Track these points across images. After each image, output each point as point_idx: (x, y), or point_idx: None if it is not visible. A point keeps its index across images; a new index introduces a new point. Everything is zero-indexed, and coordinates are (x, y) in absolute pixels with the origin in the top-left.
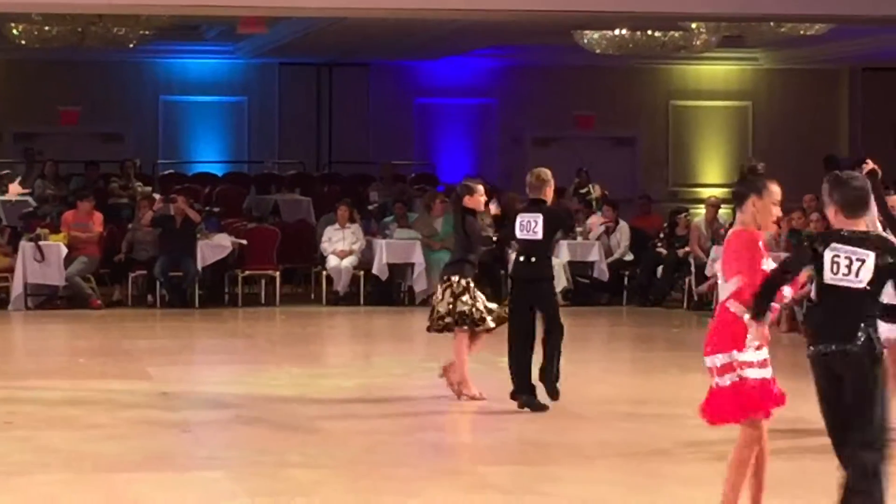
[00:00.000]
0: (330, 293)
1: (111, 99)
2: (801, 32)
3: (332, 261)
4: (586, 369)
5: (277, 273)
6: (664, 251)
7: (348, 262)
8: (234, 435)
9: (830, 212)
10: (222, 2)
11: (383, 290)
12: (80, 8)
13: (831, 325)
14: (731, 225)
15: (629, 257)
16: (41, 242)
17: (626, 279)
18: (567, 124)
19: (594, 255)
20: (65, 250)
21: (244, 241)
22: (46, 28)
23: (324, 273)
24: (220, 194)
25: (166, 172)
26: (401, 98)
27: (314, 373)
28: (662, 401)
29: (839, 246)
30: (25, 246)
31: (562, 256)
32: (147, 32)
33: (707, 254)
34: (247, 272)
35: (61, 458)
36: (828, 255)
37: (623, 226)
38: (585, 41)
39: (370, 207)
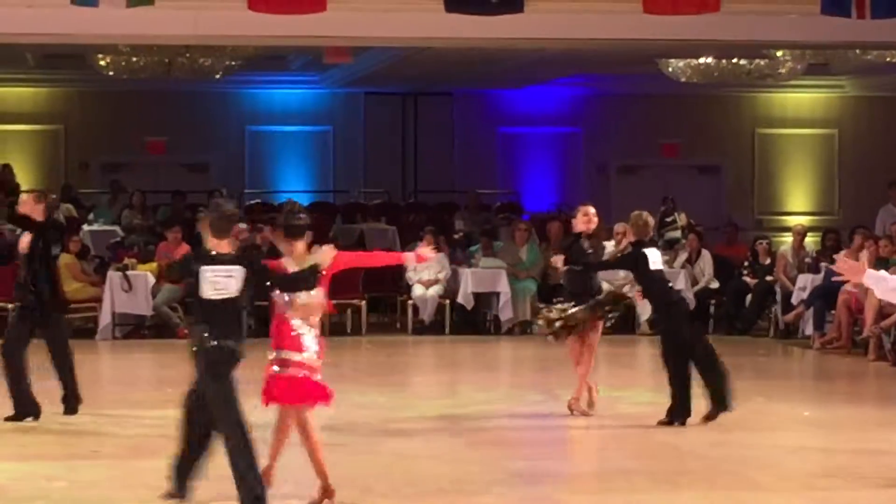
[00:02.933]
0: (415, 322)
1: (197, 129)
2: (888, 59)
3: (418, 290)
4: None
5: (363, 302)
6: (749, 280)
7: (434, 291)
8: None
9: (202, 228)
10: (307, 33)
11: (469, 319)
12: (167, 40)
13: (219, 329)
14: (818, 252)
15: (714, 285)
16: (128, 272)
17: (711, 307)
18: (652, 153)
19: (680, 283)
20: (152, 280)
21: None
22: (134, 59)
23: (409, 302)
24: None
25: (252, 202)
26: (485, 127)
27: (399, 402)
28: (747, 429)
29: (213, 267)
30: (113, 276)
31: None
32: (233, 63)
33: (793, 282)
34: (332, 301)
35: (148, 488)
36: (206, 275)
37: (705, 254)
38: (670, 69)
39: (455, 236)
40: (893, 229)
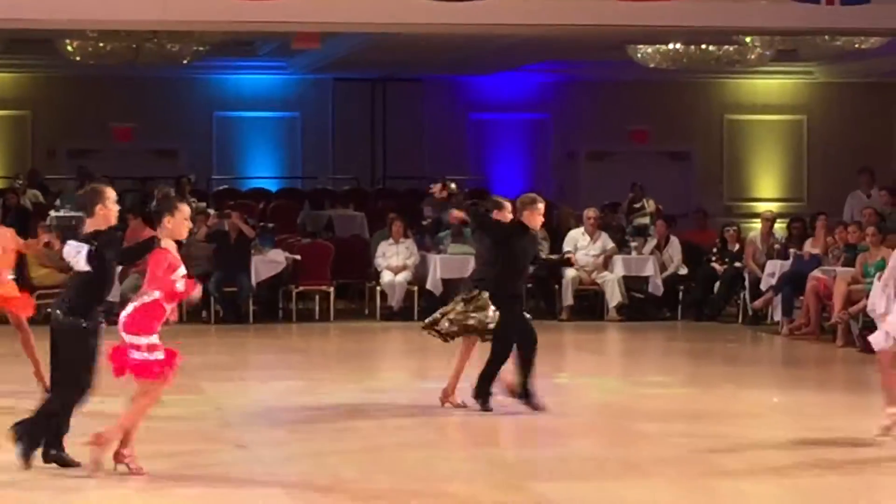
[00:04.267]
0: (384, 308)
1: (165, 115)
2: (857, 46)
3: (386, 276)
4: (642, 384)
5: (331, 288)
6: (718, 266)
7: (402, 277)
8: (289, 450)
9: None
10: (276, 18)
11: (437, 306)
12: (134, 25)
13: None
14: (787, 239)
15: (683, 271)
16: None
17: (680, 294)
18: (621, 139)
19: (649, 269)
20: (119, 266)
21: (298, 257)
22: (101, 44)
23: (378, 288)
24: (275, 210)
25: (220, 188)
26: (454, 113)
27: (368, 388)
28: (718, 416)
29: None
30: None
31: (616, 271)
32: (201, 48)
33: (762, 268)
34: (301, 288)
35: (118, 474)
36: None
37: (674, 240)
38: (639, 55)
39: (424, 222)
40: (867, 213)
